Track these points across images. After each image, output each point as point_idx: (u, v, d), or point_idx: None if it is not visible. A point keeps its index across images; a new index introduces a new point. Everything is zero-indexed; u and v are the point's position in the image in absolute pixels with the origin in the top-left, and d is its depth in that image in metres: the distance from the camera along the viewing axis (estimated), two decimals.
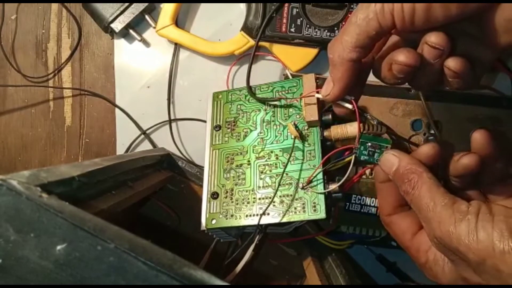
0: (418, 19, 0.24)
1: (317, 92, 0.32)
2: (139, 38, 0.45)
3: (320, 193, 0.31)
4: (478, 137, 0.26)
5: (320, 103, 0.34)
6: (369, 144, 0.30)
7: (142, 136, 0.47)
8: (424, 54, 0.26)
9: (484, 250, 0.21)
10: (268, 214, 0.32)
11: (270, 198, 0.33)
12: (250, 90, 0.37)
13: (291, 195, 0.32)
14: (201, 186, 0.37)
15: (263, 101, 0.36)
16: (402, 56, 0.25)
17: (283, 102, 0.35)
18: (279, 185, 0.33)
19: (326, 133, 0.33)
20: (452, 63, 0.25)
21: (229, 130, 0.37)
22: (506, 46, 0.24)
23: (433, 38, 0.25)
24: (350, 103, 0.30)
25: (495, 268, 0.21)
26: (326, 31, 0.40)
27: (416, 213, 0.26)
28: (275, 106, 0.36)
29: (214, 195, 0.34)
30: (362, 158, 0.30)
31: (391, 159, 0.27)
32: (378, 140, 0.30)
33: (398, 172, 0.26)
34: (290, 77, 0.42)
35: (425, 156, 0.26)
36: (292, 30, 0.41)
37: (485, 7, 0.23)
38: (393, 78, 0.27)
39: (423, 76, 0.27)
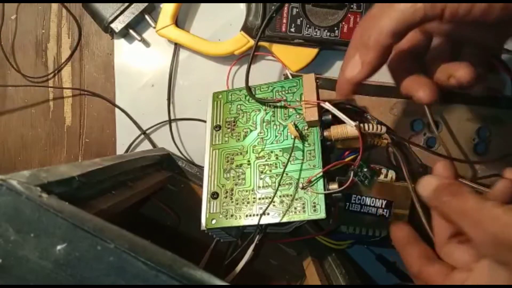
0: (475, 12, 0.23)
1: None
2: (139, 38, 0.45)
3: (321, 194, 0.31)
4: None
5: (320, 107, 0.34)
6: (365, 169, 0.35)
7: (142, 136, 0.47)
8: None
9: None
10: (268, 214, 0.32)
11: (270, 198, 0.33)
12: (249, 90, 0.37)
13: (291, 195, 0.32)
14: (201, 186, 0.37)
15: (262, 102, 0.36)
16: (464, 73, 0.28)
17: (282, 102, 0.35)
18: (279, 185, 0.33)
19: (326, 133, 0.33)
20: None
21: (229, 130, 0.37)
22: None
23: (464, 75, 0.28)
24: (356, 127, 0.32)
25: None
26: (326, 31, 0.40)
27: (458, 223, 0.24)
28: (275, 106, 0.36)
29: (214, 195, 0.34)
30: (356, 178, 0.35)
31: (430, 180, 0.27)
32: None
33: (438, 188, 0.26)
34: (290, 77, 0.42)
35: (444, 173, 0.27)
36: (292, 30, 0.41)
37: None
38: (447, 86, 0.29)
39: None
